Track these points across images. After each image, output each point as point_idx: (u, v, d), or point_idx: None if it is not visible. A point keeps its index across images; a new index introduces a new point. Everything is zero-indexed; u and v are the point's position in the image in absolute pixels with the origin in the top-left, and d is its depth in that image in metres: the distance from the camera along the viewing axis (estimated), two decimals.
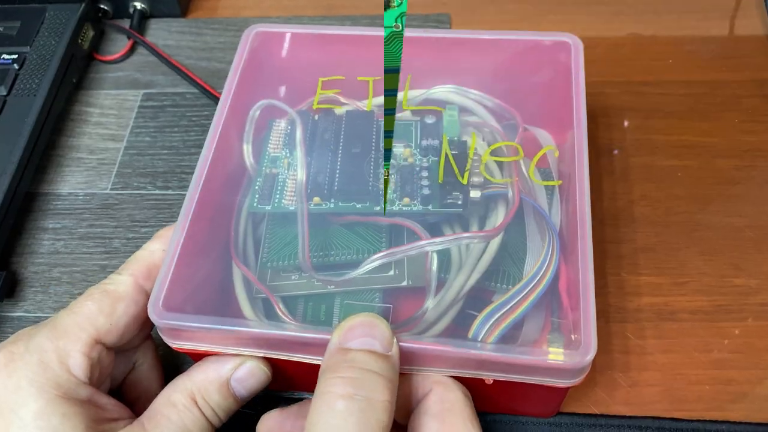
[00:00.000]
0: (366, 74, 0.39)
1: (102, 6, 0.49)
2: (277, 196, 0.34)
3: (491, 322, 0.30)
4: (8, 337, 0.36)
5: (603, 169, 0.41)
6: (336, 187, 0.33)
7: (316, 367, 0.27)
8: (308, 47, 0.38)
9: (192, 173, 0.42)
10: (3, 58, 0.44)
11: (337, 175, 0.34)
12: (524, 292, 0.30)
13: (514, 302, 0.30)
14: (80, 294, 0.37)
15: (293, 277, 0.34)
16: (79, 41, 0.46)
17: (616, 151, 0.42)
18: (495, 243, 0.33)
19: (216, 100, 0.44)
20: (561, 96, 0.39)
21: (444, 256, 0.34)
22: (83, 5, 0.47)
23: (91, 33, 0.48)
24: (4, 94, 0.43)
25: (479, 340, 0.29)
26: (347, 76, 0.39)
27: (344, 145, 0.35)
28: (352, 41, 0.38)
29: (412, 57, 0.38)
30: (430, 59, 0.38)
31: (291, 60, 0.39)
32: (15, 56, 0.44)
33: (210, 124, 0.44)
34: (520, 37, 0.37)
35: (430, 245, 0.31)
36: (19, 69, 0.44)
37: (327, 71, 0.39)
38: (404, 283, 0.33)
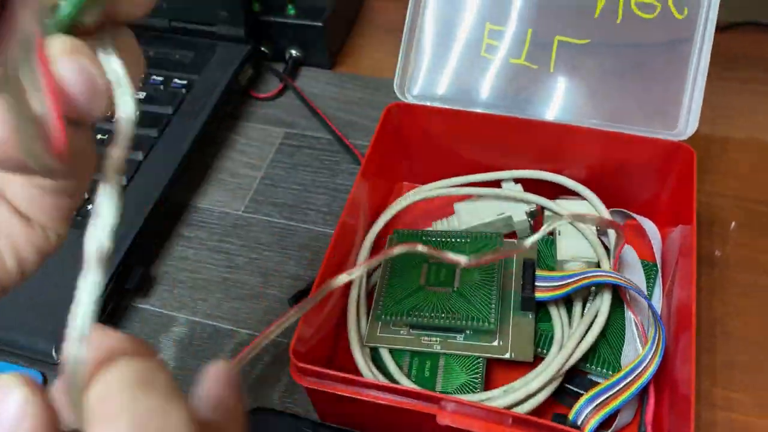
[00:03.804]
0: (490, 151, 0.42)
1: (263, 49, 0.55)
2: None
3: (594, 405, 0.32)
4: (136, 326, 0.42)
5: (703, 276, 0.42)
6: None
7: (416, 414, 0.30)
8: (440, 123, 0.42)
9: (315, 210, 0.46)
10: (174, 82, 0.51)
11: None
12: (627, 380, 0.33)
13: (617, 389, 0.32)
14: (200, 299, 0.42)
15: (402, 332, 0.37)
16: (239, 77, 0.52)
17: (717, 252, 0.42)
18: (598, 325, 0.35)
19: (347, 149, 0.49)
20: (670, 193, 0.41)
21: (548, 331, 0.36)
22: (249, 47, 0.53)
23: (250, 71, 0.54)
24: (170, 113, 0.49)
25: (579, 422, 0.31)
26: (471, 151, 0.43)
27: None
28: (481, 120, 0.41)
29: (528, 140, 0.41)
30: (548, 144, 0.41)
31: (424, 133, 0.43)
32: (185, 82, 0.51)
33: (339, 168, 0.49)
34: (636, 133, 0.39)
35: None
36: (186, 93, 0.51)
37: (455, 147, 0.43)
38: (507, 356, 0.35)
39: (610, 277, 0.35)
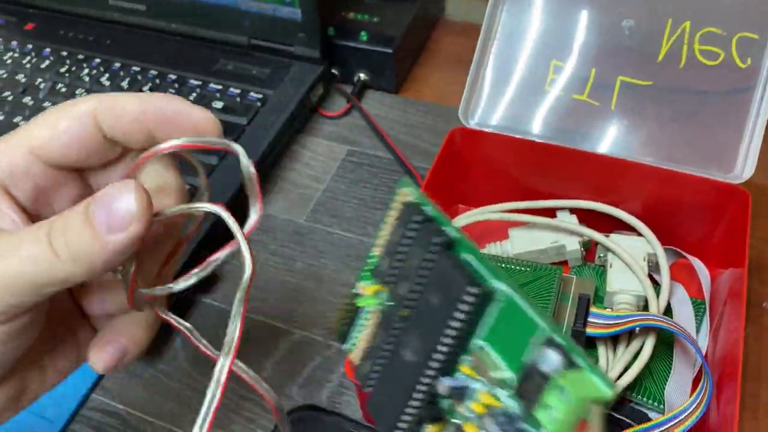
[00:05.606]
0: (547, 180, 0.44)
1: (334, 70, 0.58)
2: None
3: None
4: (198, 319, 0.44)
5: (750, 322, 0.42)
6: None
7: None
8: (501, 149, 0.44)
9: (372, 225, 0.48)
10: (250, 95, 0.54)
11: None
12: (674, 422, 0.33)
13: (664, 428, 0.33)
14: (259, 298, 0.45)
15: None
16: (311, 95, 0.55)
17: (765, 304, 0.43)
18: (643, 359, 0.36)
19: (407, 169, 0.51)
20: (723, 235, 0.42)
21: (592, 356, 0.37)
22: (322, 68, 0.56)
23: (320, 91, 0.57)
24: (245, 124, 0.52)
25: None
26: (528, 178, 0.44)
27: None
28: (541, 150, 0.43)
29: (585, 172, 0.42)
30: (605, 178, 0.42)
31: (485, 158, 0.45)
32: (260, 96, 0.54)
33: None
34: (692, 173, 0.40)
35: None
36: (260, 106, 0.54)
37: (513, 173, 0.45)
38: None
39: (662, 322, 0.36)
